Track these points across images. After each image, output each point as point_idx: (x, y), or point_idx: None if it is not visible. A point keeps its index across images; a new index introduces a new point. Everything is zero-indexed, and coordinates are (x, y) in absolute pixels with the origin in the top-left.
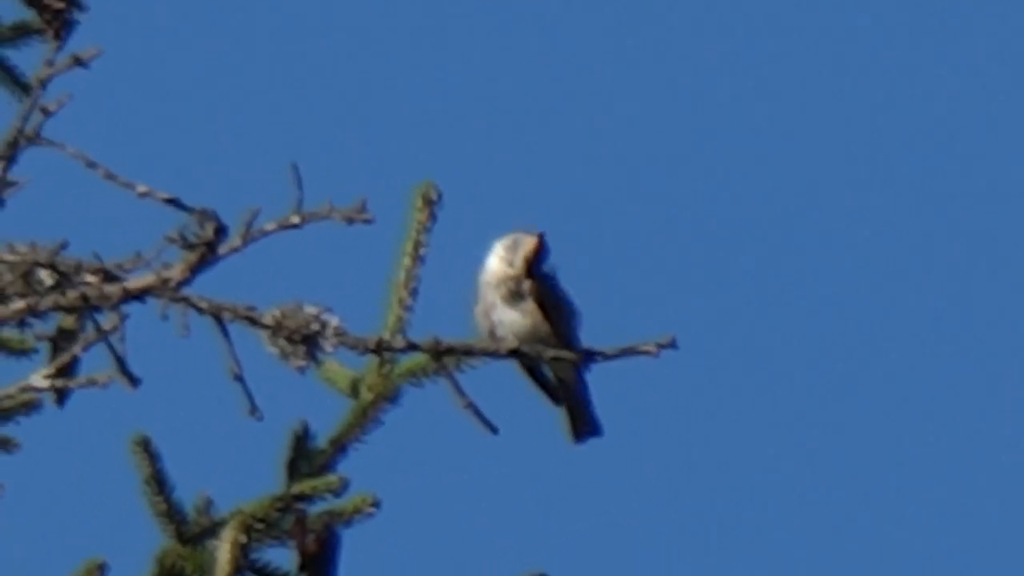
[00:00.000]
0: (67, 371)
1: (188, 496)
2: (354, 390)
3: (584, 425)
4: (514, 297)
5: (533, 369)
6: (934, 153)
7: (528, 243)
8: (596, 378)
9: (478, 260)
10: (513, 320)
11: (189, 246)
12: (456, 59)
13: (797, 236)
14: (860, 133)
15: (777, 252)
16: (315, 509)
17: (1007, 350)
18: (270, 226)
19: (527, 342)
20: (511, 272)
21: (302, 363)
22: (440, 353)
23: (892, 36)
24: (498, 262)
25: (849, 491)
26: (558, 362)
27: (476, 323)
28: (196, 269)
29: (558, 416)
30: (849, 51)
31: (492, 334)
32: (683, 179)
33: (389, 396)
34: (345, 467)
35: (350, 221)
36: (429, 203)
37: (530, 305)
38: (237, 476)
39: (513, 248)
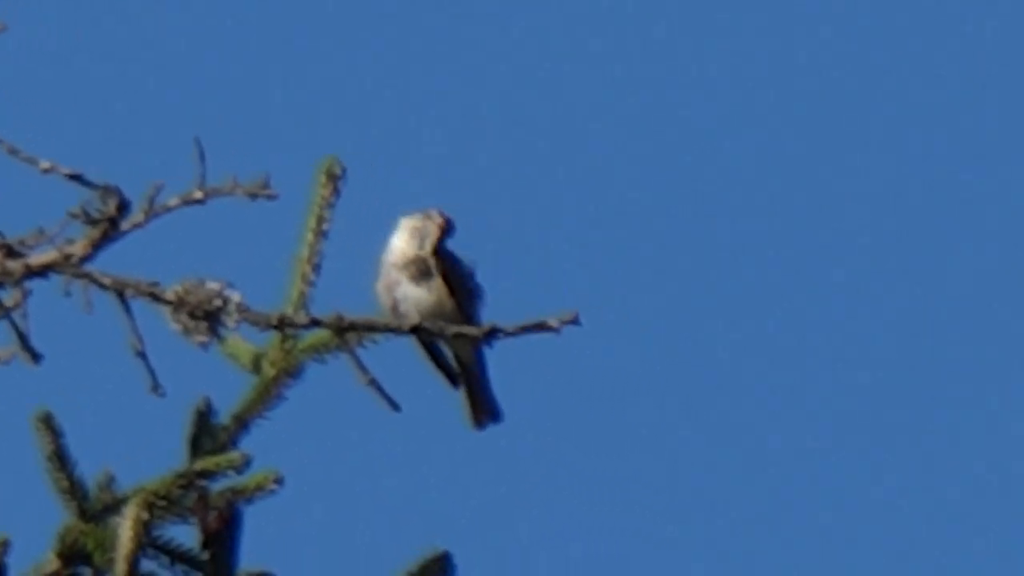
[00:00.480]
0: None
1: (90, 473)
2: (256, 366)
3: (483, 410)
4: (422, 275)
5: (432, 348)
6: (933, 153)
7: (435, 223)
8: (498, 359)
9: (381, 236)
10: (419, 297)
11: (92, 222)
12: (359, 29)
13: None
14: (847, 134)
15: (693, 221)
16: (218, 486)
17: (1006, 350)
18: (173, 201)
19: (430, 319)
20: (421, 253)
21: (204, 339)
22: (343, 329)
23: (892, 36)
24: (406, 241)
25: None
26: (459, 339)
27: (378, 299)
28: (99, 245)
29: (458, 399)
30: (849, 51)
31: (395, 310)
32: (579, 147)
33: (292, 372)
34: (247, 444)
35: (253, 197)
36: (333, 178)
37: (436, 282)
38: (139, 453)
39: (422, 228)
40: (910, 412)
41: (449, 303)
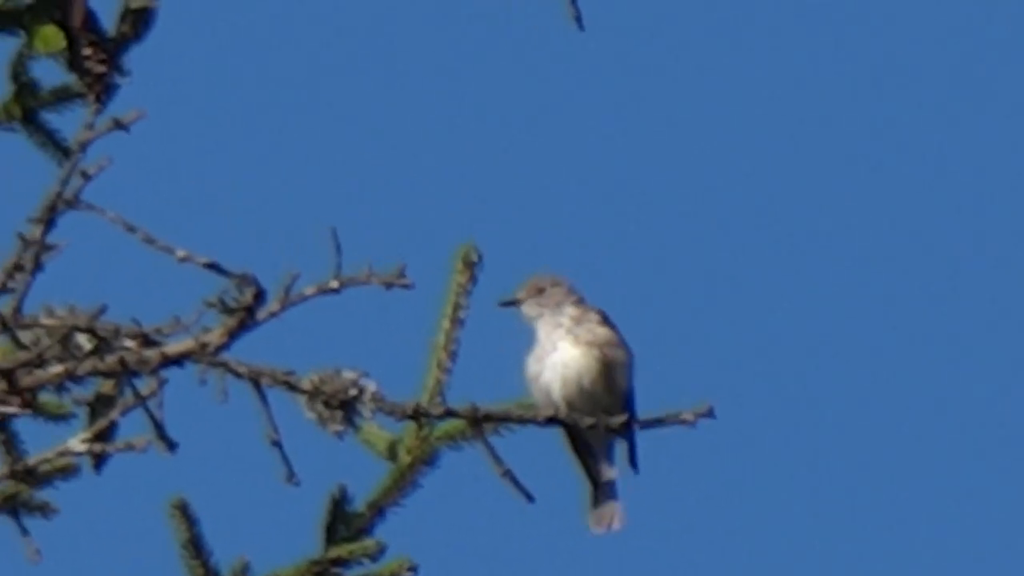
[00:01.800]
0: (105, 436)
1: (226, 560)
2: (392, 453)
3: (606, 510)
4: (600, 324)
5: (575, 437)
6: (931, 153)
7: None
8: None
9: (517, 322)
10: (574, 360)
11: (228, 311)
12: (492, 123)
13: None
14: (842, 136)
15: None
16: (352, 573)
17: (1005, 350)
18: (309, 291)
19: (576, 388)
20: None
21: (340, 428)
22: (478, 420)
23: (889, 37)
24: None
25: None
26: (594, 430)
27: (526, 369)
28: (235, 334)
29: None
30: (848, 51)
31: (537, 379)
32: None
33: (427, 460)
34: (383, 531)
35: (389, 286)
36: (470, 265)
37: (599, 335)
38: (275, 540)
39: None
40: (910, 412)
41: (601, 377)
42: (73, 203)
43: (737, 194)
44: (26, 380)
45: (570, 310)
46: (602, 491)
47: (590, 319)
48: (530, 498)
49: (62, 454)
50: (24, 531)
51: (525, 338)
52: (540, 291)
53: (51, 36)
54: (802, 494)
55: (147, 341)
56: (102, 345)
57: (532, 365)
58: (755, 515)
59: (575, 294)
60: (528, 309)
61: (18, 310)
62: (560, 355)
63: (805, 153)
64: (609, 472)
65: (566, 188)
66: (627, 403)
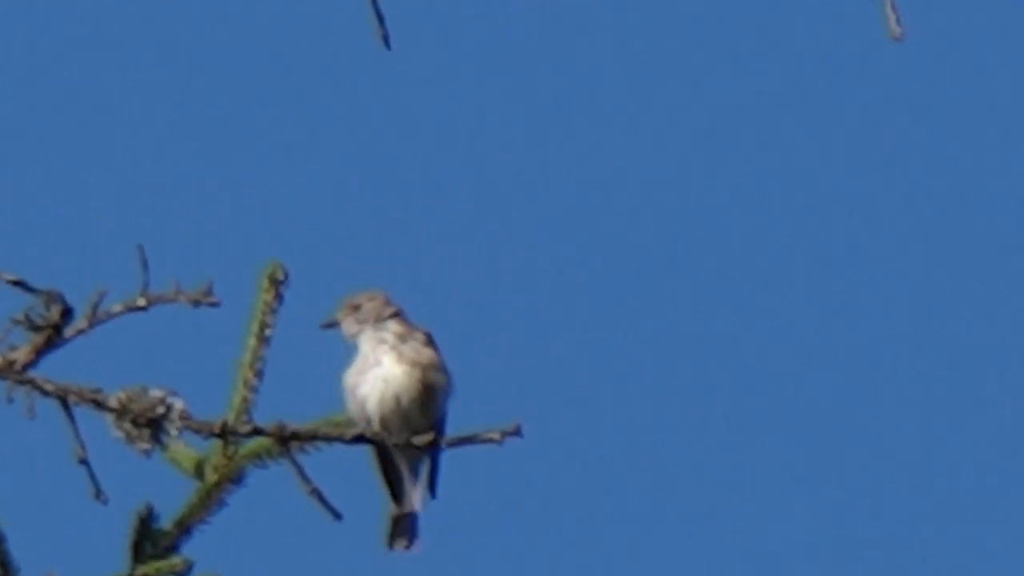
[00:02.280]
0: None
1: None
2: (199, 471)
3: (402, 535)
4: (424, 345)
5: (383, 453)
6: (932, 153)
7: (379, 299)
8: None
9: (325, 340)
10: (395, 377)
11: (35, 328)
12: (304, 138)
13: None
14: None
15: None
16: None
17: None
18: (116, 308)
19: (393, 404)
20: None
21: (147, 446)
22: (285, 438)
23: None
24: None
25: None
26: (403, 449)
27: (344, 383)
28: (42, 351)
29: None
30: (848, 51)
31: (353, 392)
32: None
33: (234, 478)
34: (189, 549)
35: (196, 304)
36: (275, 283)
37: (423, 355)
38: (82, 558)
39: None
40: (910, 412)
41: (419, 397)
42: None
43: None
44: None
45: (393, 325)
46: (404, 517)
47: (416, 337)
48: (337, 516)
49: None
50: None
51: (337, 356)
52: (356, 308)
53: None
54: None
55: None
56: None
57: (351, 376)
58: (562, 536)
59: (393, 306)
60: (348, 327)
61: None
62: (383, 371)
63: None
64: (413, 499)
65: (371, 202)
66: (438, 426)
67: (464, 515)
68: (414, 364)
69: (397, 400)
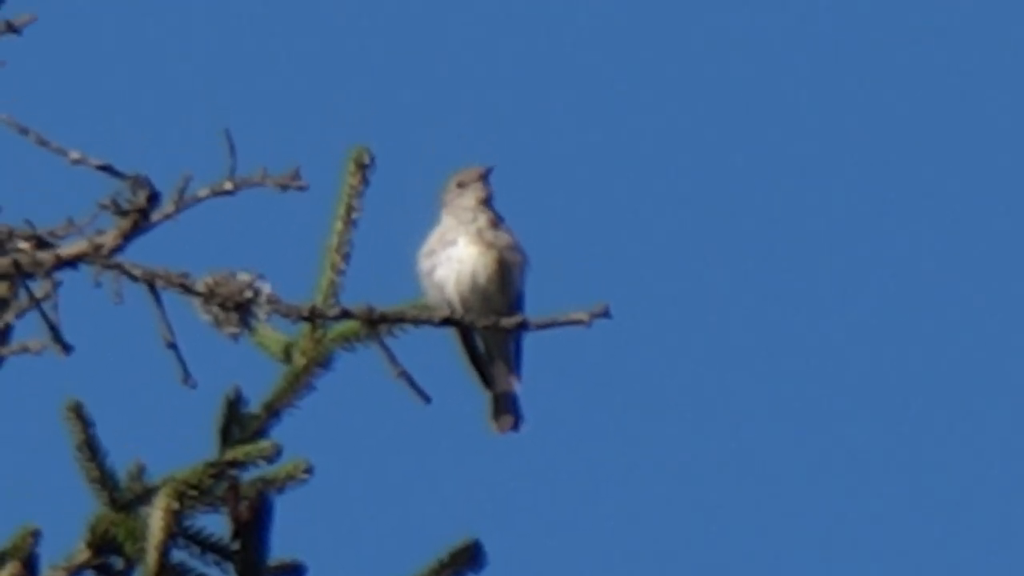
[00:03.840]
0: (0, 338)
1: (121, 462)
2: (287, 355)
3: (506, 416)
4: (490, 226)
5: (468, 338)
6: (932, 153)
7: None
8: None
9: (411, 224)
10: (471, 258)
11: (122, 212)
12: (390, 23)
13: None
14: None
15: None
16: (248, 475)
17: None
18: (203, 192)
19: (469, 288)
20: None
21: (235, 330)
22: (373, 321)
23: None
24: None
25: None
26: (489, 331)
27: (418, 264)
28: (129, 236)
29: (485, 400)
30: (847, 52)
31: (430, 276)
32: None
33: (322, 362)
34: (278, 433)
35: (284, 188)
36: (362, 167)
37: (499, 240)
38: (170, 443)
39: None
40: (910, 412)
41: (496, 276)
42: None
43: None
44: None
45: (483, 219)
46: (501, 400)
47: (498, 227)
48: (427, 399)
49: None
50: None
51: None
52: (462, 185)
53: None
54: (699, 396)
55: (41, 243)
56: None
57: (424, 260)
58: (651, 419)
59: (488, 187)
60: (449, 196)
61: None
62: (457, 251)
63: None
64: (506, 379)
65: (461, 87)
66: (517, 306)
67: (557, 399)
68: (490, 246)
69: (474, 279)
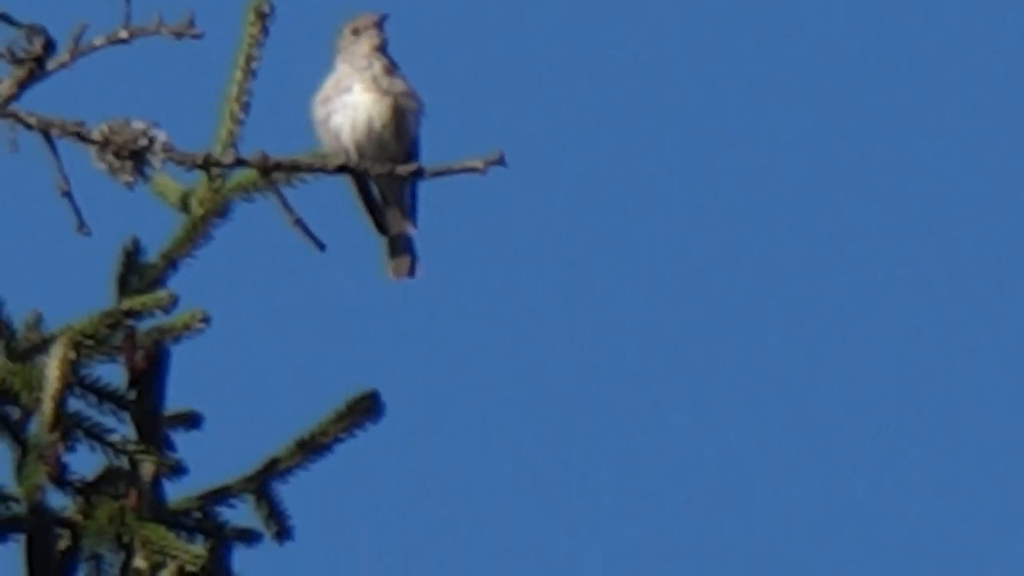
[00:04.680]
0: None
1: (18, 312)
2: (185, 205)
3: (403, 262)
4: (385, 73)
5: (363, 184)
6: (932, 153)
7: (371, 20)
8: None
9: (311, 74)
10: (365, 105)
11: (17, 61)
12: None
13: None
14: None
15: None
16: (145, 325)
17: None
18: (99, 41)
19: (365, 135)
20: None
21: (130, 179)
22: (268, 169)
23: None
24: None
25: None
26: (385, 178)
27: (313, 112)
28: (24, 85)
29: (380, 246)
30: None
31: (325, 123)
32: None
33: (219, 211)
34: (175, 283)
35: (179, 36)
36: (261, 16)
37: (394, 87)
38: (66, 292)
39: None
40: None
41: (392, 122)
42: None
43: None
44: None
45: (378, 65)
46: (397, 242)
47: (393, 74)
48: (321, 247)
49: None
50: None
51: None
52: (356, 32)
53: None
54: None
55: None
56: None
57: (319, 108)
58: (547, 261)
59: (382, 34)
60: (344, 43)
61: None
62: (352, 98)
63: None
64: (402, 224)
65: None
66: (413, 153)
67: (453, 246)
68: (385, 92)
69: (369, 125)
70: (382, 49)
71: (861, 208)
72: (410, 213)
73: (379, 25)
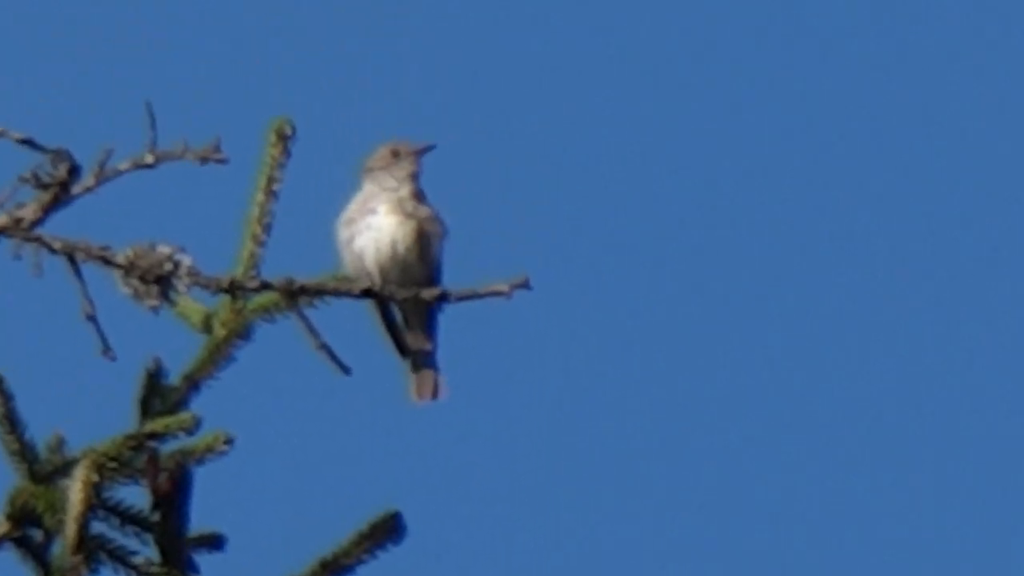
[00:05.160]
0: None
1: (41, 435)
2: (207, 326)
3: (426, 385)
4: (413, 200)
5: (385, 310)
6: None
7: (411, 150)
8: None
9: (332, 195)
10: (389, 228)
11: (42, 186)
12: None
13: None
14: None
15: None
16: (168, 447)
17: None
18: (124, 165)
19: (389, 259)
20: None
21: (155, 303)
22: (293, 292)
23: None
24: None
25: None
26: (409, 303)
27: (337, 233)
28: (50, 209)
29: (403, 369)
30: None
31: (349, 244)
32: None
33: (242, 333)
34: (198, 405)
35: (204, 160)
36: (283, 138)
37: (413, 221)
38: (90, 415)
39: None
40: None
41: (416, 246)
42: None
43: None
44: None
45: (406, 189)
46: (419, 364)
47: (420, 202)
48: (346, 371)
49: None
50: None
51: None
52: (396, 154)
53: None
54: (618, 364)
55: None
56: None
57: (344, 229)
58: (569, 390)
59: (416, 185)
60: (377, 163)
61: None
62: (377, 220)
63: None
64: (425, 344)
65: (381, 59)
66: (436, 278)
67: (476, 365)
68: (410, 216)
69: (393, 248)
70: (415, 177)
71: (860, 208)
72: (432, 335)
73: (420, 154)
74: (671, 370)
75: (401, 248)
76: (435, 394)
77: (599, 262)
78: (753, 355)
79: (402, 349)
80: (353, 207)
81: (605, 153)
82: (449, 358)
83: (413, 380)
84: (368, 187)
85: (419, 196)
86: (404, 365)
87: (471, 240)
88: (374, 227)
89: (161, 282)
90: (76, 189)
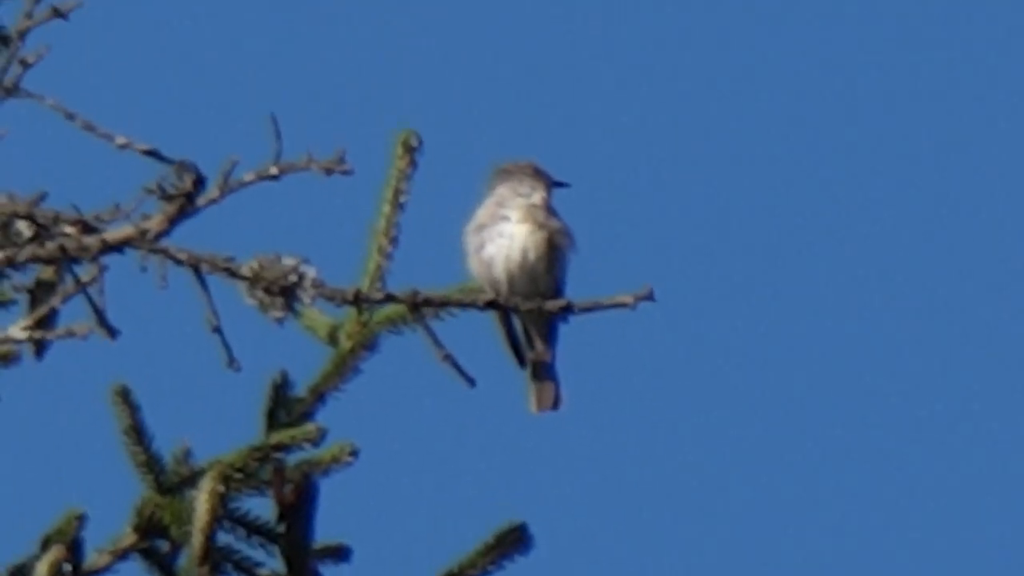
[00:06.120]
0: (46, 323)
1: (167, 446)
2: (333, 338)
3: (546, 395)
4: (544, 213)
5: (508, 321)
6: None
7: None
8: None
9: (458, 207)
10: (521, 237)
11: (168, 197)
12: (436, 9)
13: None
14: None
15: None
16: (293, 458)
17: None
18: (249, 177)
19: (518, 268)
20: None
21: (280, 315)
22: (418, 304)
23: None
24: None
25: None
26: (533, 314)
27: (465, 240)
28: (175, 220)
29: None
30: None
31: (479, 251)
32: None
33: (368, 344)
34: (323, 416)
35: (329, 172)
36: (410, 150)
37: (551, 223)
38: (216, 426)
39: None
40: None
41: (546, 256)
42: (12, 91)
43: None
44: None
45: (538, 196)
46: (539, 374)
47: (550, 213)
48: (471, 382)
49: (3, 341)
50: None
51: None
52: (508, 173)
53: None
54: (737, 377)
55: (87, 228)
56: (42, 232)
57: (472, 236)
58: (691, 396)
59: (544, 182)
60: (516, 170)
61: None
62: (508, 228)
63: None
64: (545, 355)
65: (507, 72)
66: (561, 289)
67: (595, 375)
68: (540, 226)
69: (524, 256)
70: (548, 191)
71: (861, 208)
72: (552, 346)
73: (554, 186)
74: (790, 378)
75: (532, 257)
76: (555, 405)
77: (712, 274)
78: (878, 359)
79: (521, 359)
80: (483, 212)
81: (730, 164)
82: (567, 368)
83: (533, 390)
84: (501, 190)
85: (549, 206)
86: (524, 375)
87: (594, 250)
88: (506, 235)
89: (286, 294)
90: (201, 201)
